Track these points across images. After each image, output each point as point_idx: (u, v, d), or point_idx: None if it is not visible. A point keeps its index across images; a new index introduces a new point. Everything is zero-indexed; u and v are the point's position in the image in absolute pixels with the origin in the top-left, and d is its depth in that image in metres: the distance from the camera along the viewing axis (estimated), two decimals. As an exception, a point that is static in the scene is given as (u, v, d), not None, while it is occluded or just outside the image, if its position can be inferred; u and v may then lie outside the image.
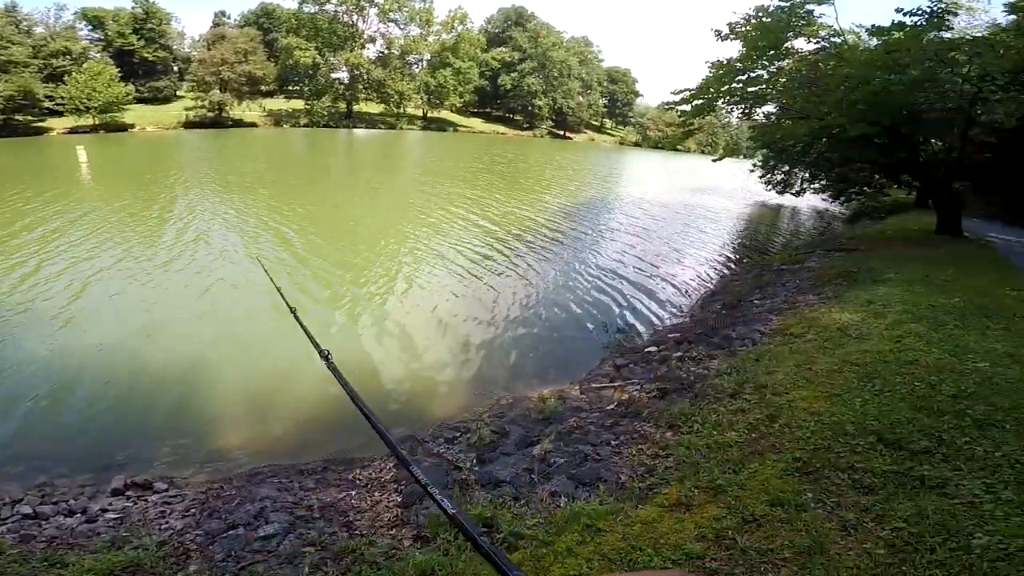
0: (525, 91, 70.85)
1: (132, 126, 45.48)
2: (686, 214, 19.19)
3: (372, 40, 62.50)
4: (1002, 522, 2.38)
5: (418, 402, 5.74)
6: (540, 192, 22.38)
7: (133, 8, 55.01)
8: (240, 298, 8.25)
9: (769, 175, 21.64)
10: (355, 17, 59.87)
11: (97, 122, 43.24)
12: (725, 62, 12.19)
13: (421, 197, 18.71)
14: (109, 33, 53.17)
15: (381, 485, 3.94)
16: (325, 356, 1.22)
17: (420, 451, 4.47)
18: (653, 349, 6.55)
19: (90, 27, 54.06)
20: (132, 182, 19.02)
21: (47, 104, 42.30)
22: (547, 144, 61.92)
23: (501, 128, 73.10)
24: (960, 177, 11.65)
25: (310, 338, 1.26)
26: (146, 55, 55.02)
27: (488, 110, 78.50)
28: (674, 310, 8.96)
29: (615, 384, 5.59)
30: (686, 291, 10.02)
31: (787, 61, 12.11)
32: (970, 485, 2.67)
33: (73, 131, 41.74)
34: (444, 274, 10.06)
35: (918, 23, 9.72)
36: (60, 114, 42.99)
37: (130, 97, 46.43)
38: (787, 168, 20.42)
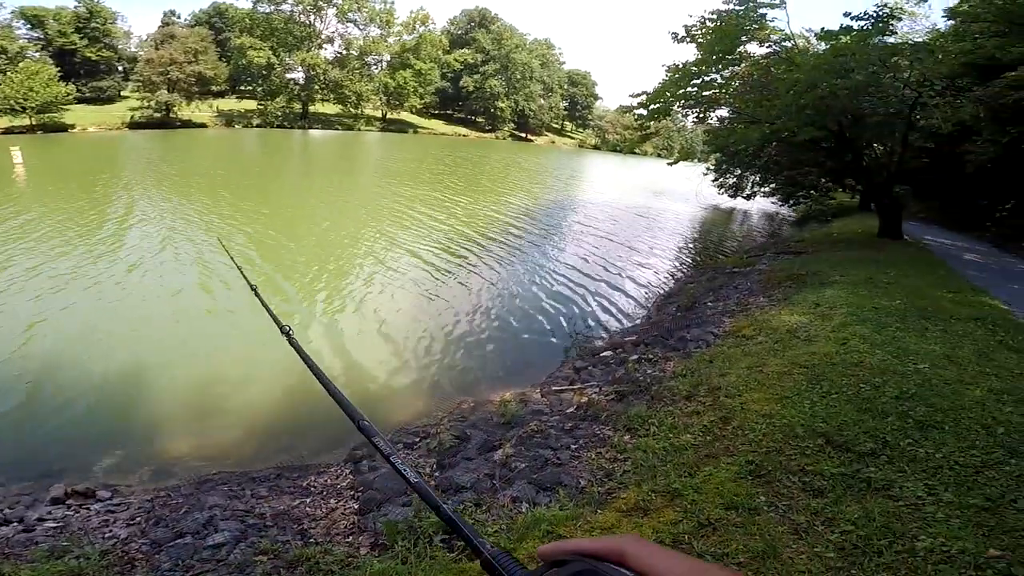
0: (488, 93, 70.66)
1: (72, 127, 43.14)
2: (643, 217, 19.55)
3: (330, 40, 61.25)
4: (943, 524, 2.45)
5: (377, 407, 5.61)
6: (502, 194, 22.40)
7: (76, 7, 52.65)
8: (186, 303, 7.92)
9: (722, 179, 22.28)
10: (312, 17, 58.45)
11: (34, 122, 40.89)
12: (681, 65, 12.37)
13: (381, 199, 18.42)
14: (49, 32, 50.73)
15: (337, 492, 3.88)
16: (286, 332, 1.21)
17: (378, 457, 4.35)
18: (610, 353, 6.59)
19: (29, 26, 51.37)
20: (71, 184, 17.91)
21: (-22, 104, 39.88)
22: (509, 146, 62.07)
23: (463, 130, 72.80)
24: (901, 181, 12.23)
25: (271, 315, 1.23)
26: (89, 54, 52.62)
27: (450, 112, 78.06)
28: (632, 312, 9.08)
29: (575, 387, 5.59)
30: (644, 293, 10.17)
31: (741, 65, 12.37)
32: (913, 487, 2.75)
33: (7, 131, 39.25)
34: (404, 277, 9.89)
35: (864, 27, 9.96)
36: (-8, 115, 40.48)
37: (70, 97, 44.07)
38: (739, 172, 21.06)
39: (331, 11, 59.19)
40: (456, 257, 11.46)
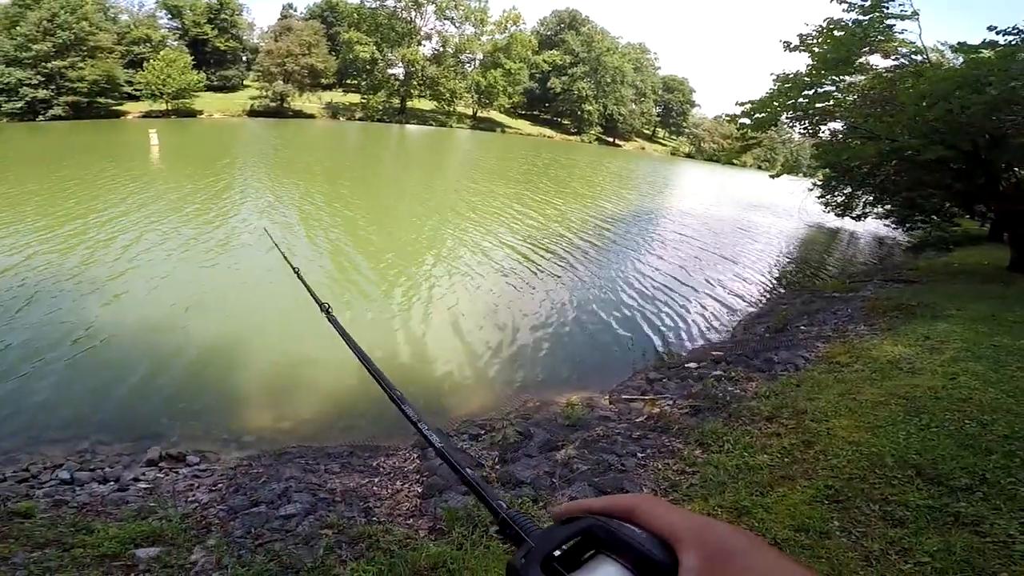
0: (575, 95, 69.99)
1: (200, 112, 47.94)
2: (738, 230, 18.62)
3: (428, 37, 63.45)
4: (1034, 564, 2.25)
5: (447, 397, 5.75)
6: (593, 197, 22.21)
7: None
8: (285, 282, 8.54)
9: (829, 196, 20.63)
10: (413, 13, 60.87)
11: (169, 107, 45.82)
12: (792, 75, 11.75)
13: (472, 194, 18.92)
14: (186, 22, 56.10)
15: (404, 475, 3.99)
16: (326, 310, 1.24)
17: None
18: (692, 366, 6.41)
19: (169, 15, 57.17)
20: (198, 165, 20.09)
21: (126, 88, 45.11)
22: (595, 150, 61.12)
23: (548, 131, 72.67)
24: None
25: (311, 293, 1.32)
26: (219, 44, 57.90)
27: (536, 112, 78.18)
28: (716, 329, 8.71)
29: (646, 397, 5.50)
30: (730, 311, 9.71)
31: (860, 77, 11.52)
32: (1006, 524, 2.55)
33: (147, 115, 44.39)
34: (486, 271, 10.12)
35: (1013, 42, 8.84)
36: (137, 98, 45.81)
37: (201, 85, 48.98)
38: (850, 190, 19.41)
39: (430, 8, 61.35)
40: (540, 257, 11.53)
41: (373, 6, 59.42)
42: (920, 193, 14.40)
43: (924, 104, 8.90)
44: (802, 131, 13.77)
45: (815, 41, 11.25)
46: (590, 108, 70.69)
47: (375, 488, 3.77)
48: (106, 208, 12.05)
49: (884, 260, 16.01)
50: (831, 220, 21.69)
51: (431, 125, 60.75)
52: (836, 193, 20.19)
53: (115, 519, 3.06)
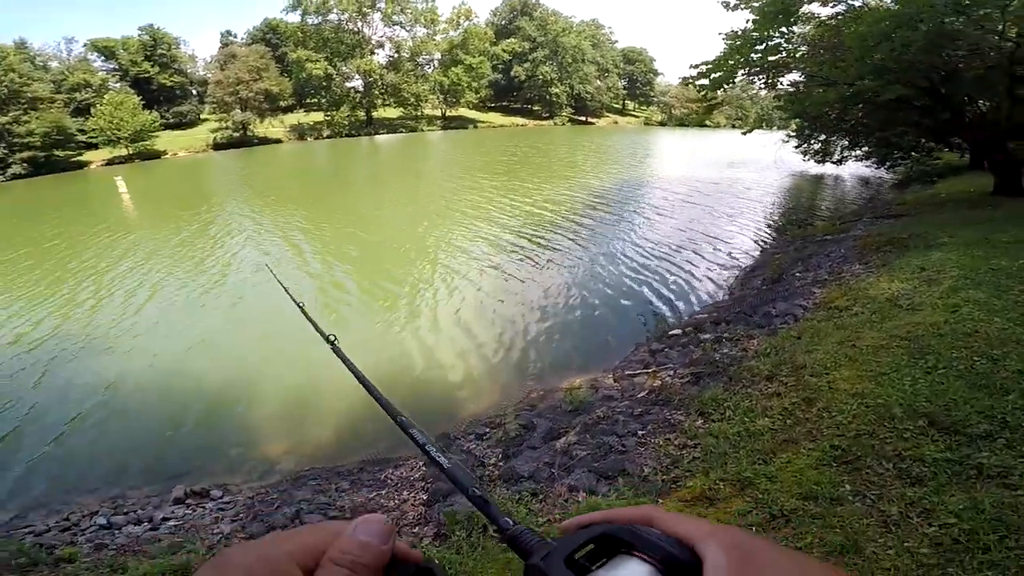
0: (540, 80, 70.01)
1: (164, 153, 47.30)
2: (721, 189, 18.43)
3: (380, 45, 62.74)
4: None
5: (453, 399, 5.72)
6: (573, 178, 22.04)
7: (139, 36, 56.53)
8: (288, 313, 8.29)
9: (805, 145, 20.53)
10: (359, 24, 59.99)
11: (131, 151, 45.10)
12: (739, 32, 11.71)
13: (455, 193, 18.79)
14: (122, 62, 54.76)
15: (410, 484, 4.00)
16: (331, 342, 1.22)
17: (454, 448, 4.48)
18: (684, 332, 6.22)
19: (102, 58, 55.77)
20: (172, 209, 19.61)
21: (81, 137, 44.38)
22: (569, 131, 60.99)
23: (520, 120, 72.55)
24: (1015, 136, 10.71)
25: (315, 327, 1.33)
26: (163, 81, 56.67)
27: (506, 103, 78.02)
28: (714, 289, 8.56)
29: (648, 370, 5.35)
30: (726, 268, 9.54)
31: (807, 28, 11.56)
32: None
33: (110, 162, 43.68)
34: (480, 269, 9.97)
35: None
36: (95, 146, 45.04)
37: (157, 124, 48.14)
38: (824, 137, 19.30)
39: (376, 16, 60.64)
40: (532, 245, 11.39)
41: (316, 22, 58.34)
42: (892, 132, 14.41)
43: (868, 45, 8.92)
44: (762, 85, 13.70)
45: None
46: (557, 91, 70.65)
47: (382, 500, 3.79)
48: (94, 265, 11.69)
49: (872, 199, 15.85)
50: (812, 167, 21.57)
51: (401, 132, 60.27)
52: (812, 141, 20.09)
53: (148, 557, 3.16)
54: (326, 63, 56.34)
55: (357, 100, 60.37)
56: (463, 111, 69.41)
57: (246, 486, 4.48)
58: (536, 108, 74.92)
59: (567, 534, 0.42)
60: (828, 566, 0.35)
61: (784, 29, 11.38)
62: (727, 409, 3.64)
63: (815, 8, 11.40)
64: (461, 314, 7.92)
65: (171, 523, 3.89)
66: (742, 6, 11.53)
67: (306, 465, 4.69)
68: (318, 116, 59.77)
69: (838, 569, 0.35)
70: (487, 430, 4.74)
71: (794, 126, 20.80)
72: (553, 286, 8.87)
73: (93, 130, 44.00)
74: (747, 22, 11.57)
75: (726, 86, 12.86)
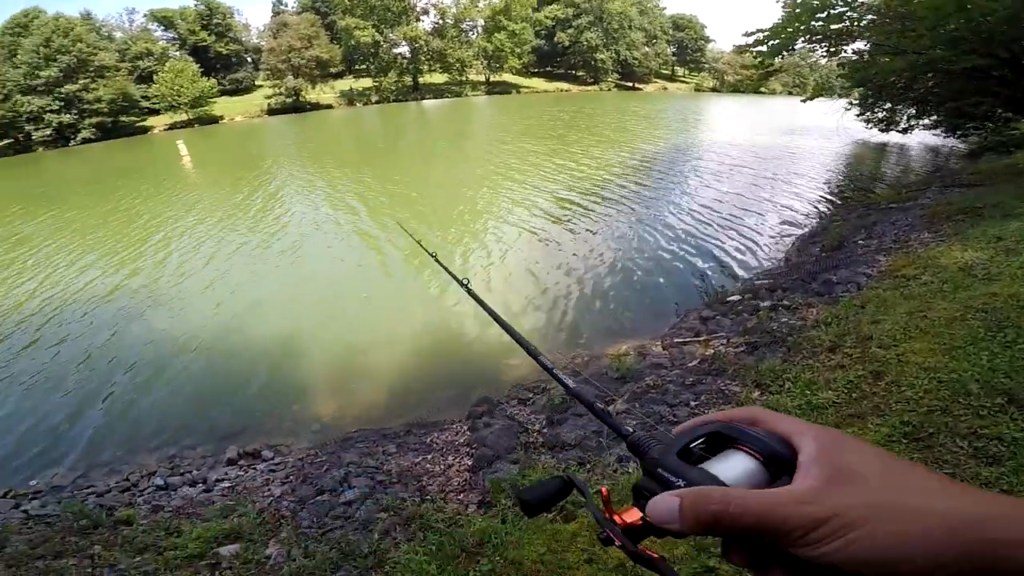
0: (585, 47, 68.06)
1: (221, 118, 48.88)
2: (778, 156, 17.64)
3: (425, 12, 62.04)
4: None
5: (494, 362, 5.68)
6: (622, 141, 21.54)
7: (196, 6, 58.25)
8: (337, 274, 8.60)
9: (868, 113, 19.20)
10: None
11: (191, 116, 46.91)
12: (800, 0, 11.15)
13: (504, 156, 18.68)
14: (181, 32, 56.79)
15: (455, 448, 4.00)
16: (464, 284, 1.37)
17: (497, 413, 4.47)
18: (739, 298, 6.07)
19: (162, 28, 57.92)
20: (230, 169, 20.51)
21: (144, 104, 46.39)
22: (616, 96, 59.06)
23: (565, 85, 70.90)
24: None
25: (449, 272, 1.50)
26: (220, 49, 58.54)
27: (549, 69, 76.23)
28: (769, 255, 8.28)
29: (700, 338, 5.26)
30: (781, 236, 9.20)
31: None
32: None
33: (171, 127, 45.61)
34: (528, 231, 9.96)
35: None
36: (157, 112, 47.09)
37: (215, 90, 49.80)
38: (889, 105, 17.99)
39: None
40: (581, 207, 11.28)
41: (363, -11, 57.97)
42: (966, 102, 13.31)
43: (943, 14, 8.26)
44: (823, 53, 12.95)
45: None
46: (602, 56, 68.52)
47: (428, 465, 3.80)
48: (161, 224, 12.31)
49: (941, 168, 14.79)
50: (876, 135, 20.21)
51: (447, 97, 60.05)
52: (876, 110, 18.78)
53: (202, 519, 3.25)
54: (373, 30, 56.23)
55: (404, 66, 60.19)
56: (507, 76, 68.34)
57: (296, 447, 4.56)
58: (581, 74, 72.86)
59: (682, 435, 0.47)
60: (908, 462, 0.38)
61: (847, -3, 10.70)
62: (786, 381, 3.55)
63: None
64: (506, 276, 7.92)
65: (224, 484, 3.96)
66: None
67: (353, 426, 4.73)
68: (367, 82, 60.07)
69: (916, 464, 0.38)
70: (531, 395, 4.68)
71: (857, 94, 19.45)
72: (598, 251, 8.74)
73: (155, 96, 45.90)
74: None
75: (785, 53, 12.37)
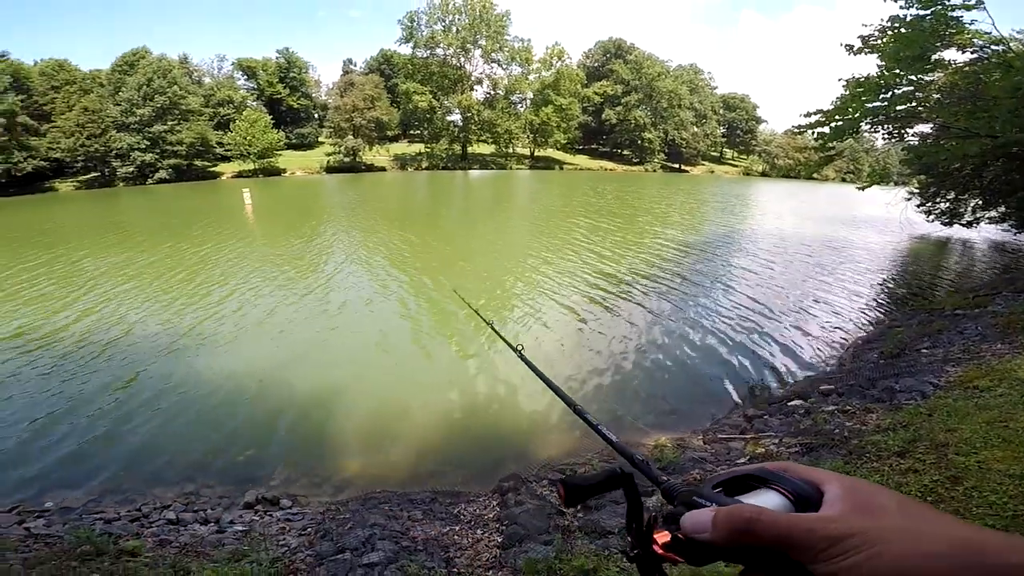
0: (632, 125, 69.07)
1: (284, 171, 52.00)
2: (829, 250, 17.15)
3: (479, 82, 65.64)
4: None
5: (523, 439, 5.56)
6: (661, 227, 21.54)
7: (277, 58, 63.55)
8: (371, 335, 8.59)
9: (930, 203, 18.64)
10: (461, 59, 63.28)
11: (257, 167, 50.05)
12: (863, 78, 11.01)
13: (541, 233, 19.01)
14: (260, 83, 61.52)
15: (483, 523, 3.88)
16: (517, 350, 1.45)
17: (524, 491, 4.26)
18: (797, 402, 5.76)
19: (245, 76, 62.91)
20: (288, 222, 21.64)
21: (218, 150, 49.84)
22: (661, 179, 59.59)
23: (609, 164, 71.98)
24: None
25: (503, 339, 1.63)
26: (291, 103, 63.11)
27: (594, 146, 77.66)
28: (819, 359, 7.86)
29: (746, 436, 5.00)
30: (834, 338, 8.76)
31: (938, 74, 10.68)
32: None
33: (238, 175, 48.77)
34: (560, 310, 9.85)
35: None
36: (228, 159, 50.48)
37: (282, 143, 53.27)
38: (953, 195, 17.45)
39: (477, 52, 63.68)
40: (610, 289, 11.14)
41: (424, 55, 62.25)
42: (1041, 191, 12.72)
43: (1021, 95, 8.12)
44: (885, 136, 12.77)
45: (880, 42, 10.63)
46: (650, 136, 69.37)
47: (456, 537, 3.67)
48: (216, 267, 12.91)
49: (1010, 268, 14.06)
50: (937, 229, 19.57)
51: (492, 168, 62.36)
52: (938, 200, 18.23)
53: (211, 560, 3.15)
54: (431, 96, 59.79)
55: (455, 134, 63.30)
56: (551, 152, 69.90)
57: (315, 499, 4.50)
58: (626, 153, 73.76)
59: (716, 477, 0.52)
60: (921, 502, 0.42)
61: (913, 76, 10.59)
62: (849, 483, 3.28)
63: (950, 54, 10.50)
64: (538, 354, 7.71)
65: (237, 528, 3.89)
66: (867, 51, 10.90)
67: (376, 486, 4.64)
68: (419, 147, 63.26)
69: (929, 504, 0.42)
70: (562, 476, 4.53)
71: (917, 183, 19.02)
72: (636, 336, 8.51)
73: (229, 144, 49.30)
74: (877, 67, 10.93)
75: (852, 135, 12.07)
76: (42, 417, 5.87)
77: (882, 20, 10.49)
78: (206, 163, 49.54)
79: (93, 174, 44.84)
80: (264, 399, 6.33)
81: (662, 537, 0.49)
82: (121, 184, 44.91)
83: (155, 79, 45.82)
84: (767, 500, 0.46)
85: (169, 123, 45.93)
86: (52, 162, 43.13)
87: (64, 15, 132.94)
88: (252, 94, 61.55)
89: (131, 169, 45.22)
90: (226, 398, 6.33)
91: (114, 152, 44.59)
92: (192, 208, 27.30)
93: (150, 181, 45.57)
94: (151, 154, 45.37)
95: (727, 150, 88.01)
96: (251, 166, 50.00)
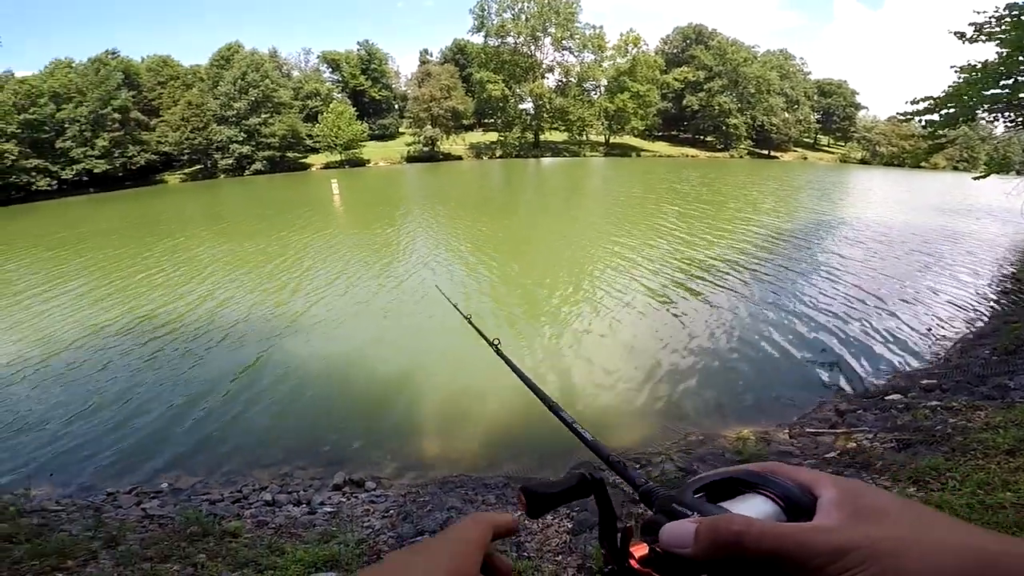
0: (716, 111, 65.88)
1: (368, 161, 54.36)
2: (942, 239, 15.75)
3: (550, 69, 64.99)
4: None
5: (598, 427, 5.54)
6: (750, 214, 20.60)
7: (358, 50, 65.66)
8: (454, 321, 8.76)
9: (1059, 193, 16.64)
10: (532, 48, 62.80)
11: (343, 158, 52.51)
12: (981, 65, 10.38)
13: (619, 218, 18.82)
14: (344, 75, 63.80)
15: (555, 509, 3.95)
16: (494, 345, 1.41)
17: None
18: (896, 397, 5.49)
19: (330, 69, 65.39)
20: (373, 210, 22.83)
21: (308, 142, 52.51)
22: (749, 165, 56.27)
23: (691, 151, 69.14)
24: None
25: (480, 333, 1.56)
26: (374, 94, 65.20)
27: (675, 132, 75.04)
28: (920, 353, 7.31)
29: (837, 431, 4.82)
30: (939, 332, 8.11)
31: None
32: None
33: (327, 166, 51.56)
34: (640, 295, 9.77)
35: None
36: (316, 151, 53.21)
37: (365, 134, 55.34)
38: (1085, 184, 15.50)
39: (547, 40, 62.91)
40: (696, 277, 10.88)
41: (496, 44, 62.28)
42: None
43: None
44: (1008, 124, 11.68)
45: (997, 29, 10.02)
46: (735, 122, 65.67)
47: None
48: (304, 256, 13.72)
49: None
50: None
51: (565, 156, 61.76)
52: (1067, 190, 16.22)
53: (303, 541, 3.35)
54: (503, 85, 59.96)
55: (528, 122, 63.31)
56: (627, 138, 68.02)
57: (397, 482, 4.68)
58: (710, 139, 70.34)
59: (698, 480, 0.47)
60: (924, 505, 0.39)
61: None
62: (952, 479, 3.18)
63: None
64: (613, 342, 7.71)
65: (327, 509, 4.05)
66: (982, 39, 10.28)
67: (455, 471, 4.78)
68: (493, 136, 63.85)
69: (932, 508, 0.38)
70: (636, 466, 4.48)
71: (1044, 171, 17.02)
72: (717, 326, 8.25)
73: (317, 135, 51.73)
74: (997, 55, 10.31)
75: (967, 122, 11.39)
76: (172, 402, 6.36)
77: (997, 7, 9.91)
78: (297, 155, 52.38)
79: (197, 166, 48.80)
80: (349, 383, 6.65)
81: (639, 550, 0.46)
82: (222, 176, 48.56)
83: (249, 72, 48.46)
84: (754, 507, 0.42)
85: (263, 116, 48.70)
86: (161, 155, 47.28)
87: (156, 12, 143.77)
88: (337, 86, 64.00)
89: (230, 161, 48.63)
90: (317, 383, 6.69)
91: (215, 145, 48.04)
92: (285, 199, 29.32)
93: (247, 173, 48.91)
94: (248, 146, 48.49)
95: (822, 136, 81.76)
96: (338, 157, 52.43)
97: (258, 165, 49.29)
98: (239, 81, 48.44)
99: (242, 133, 48.33)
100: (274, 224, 18.89)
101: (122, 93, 44.92)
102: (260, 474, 4.90)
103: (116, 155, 44.05)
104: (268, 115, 49.31)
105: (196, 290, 11.02)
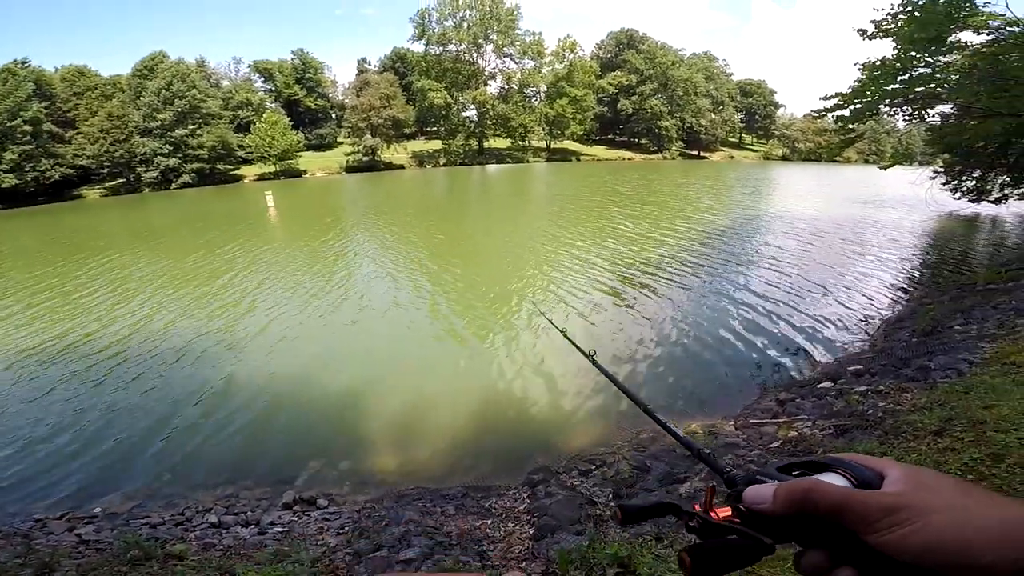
0: (648, 113, 68.62)
1: (305, 172, 52.61)
2: (856, 230, 16.89)
3: (492, 76, 65.67)
4: None
5: (550, 432, 5.58)
6: (682, 213, 21.38)
7: (292, 59, 63.91)
8: (401, 331, 8.68)
9: (956, 181, 18.29)
10: (474, 55, 63.34)
11: (278, 169, 50.65)
12: (879, 61, 11.01)
13: (560, 224, 19.00)
14: (278, 84, 61.88)
15: (515, 515, 3.92)
16: (590, 356, 1.41)
17: (553, 482, 4.34)
18: (828, 384, 5.73)
19: (262, 78, 63.29)
20: (309, 223, 21.97)
21: (239, 153, 50.39)
22: (681, 166, 58.86)
23: (627, 153, 71.55)
24: None
25: (575, 345, 1.55)
26: (309, 104, 63.46)
27: (611, 136, 77.40)
28: (849, 339, 7.76)
29: (778, 420, 5.00)
30: (864, 317, 8.64)
31: (955, 56, 10.61)
32: None
33: (260, 178, 49.50)
34: (581, 297, 9.89)
35: None
36: (249, 162, 51.13)
37: (301, 144, 53.66)
38: (979, 173, 17.11)
39: (489, 47, 63.70)
40: (642, 279, 11.08)
41: (437, 52, 62.32)
42: (1070, 168, 12.55)
43: None
44: (906, 117, 12.68)
45: (894, 26, 10.59)
46: (666, 124, 68.82)
47: (488, 530, 3.73)
48: (244, 271, 13.06)
49: (1042, 242, 13.71)
50: (965, 207, 19.12)
51: (508, 162, 62.26)
52: (964, 178, 17.88)
53: (254, 562, 3.21)
54: (446, 92, 59.90)
55: (471, 130, 63.41)
56: (567, 143, 69.80)
57: (351, 498, 4.56)
58: (644, 142, 73.34)
59: (781, 461, 0.53)
60: (977, 485, 0.44)
61: (930, 58, 10.54)
62: (885, 463, 3.29)
63: (966, 36, 10.36)
64: (563, 345, 7.80)
65: (277, 529, 3.94)
66: (881, 35, 10.85)
67: (409, 484, 4.70)
68: (436, 144, 63.49)
69: (991, 491, 0.42)
70: (591, 468, 4.53)
71: (941, 161, 18.73)
72: (660, 326, 8.46)
73: (250, 146, 49.75)
74: (893, 50, 10.92)
75: (872, 117, 12.02)
76: (80, 424, 6.01)
77: (893, 4, 10.43)
78: (228, 166, 50.26)
79: (119, 180, 45.79)
80: (294, 400, 6.42)
81: (723, 511, 0.51)
82: (147, 190, 45.83)
83: (174, 83, 46.40)
84: (828, 479, 0.47)
85: (190, 127, 46.61)
86: (78, 169, 44.15)
87: (77, 20, 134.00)
88: (270, 96, 62.10)
89: (155, 174, 46.08)
90: (258, 400, 6.44)
91: (138, 158, 45.44)
92: (216, 212, 27.90)
93: (174, 186, 46.42)
94: (174, 159, 46.15)
95: (746, 136, 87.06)
96: (272, 168, 50.64)
97: (186, 178, 46.86)
98: (163, 92, 46.18)
99: (168, 145, 46.05)
100: (211, 241, 17.76)
101: (33, 104, 41.74)
102: (203, 496, 4.69)
103: (27, 169, 40.63)
104: (196, 126, 47.17)
105: (131, 311, 10.31)
